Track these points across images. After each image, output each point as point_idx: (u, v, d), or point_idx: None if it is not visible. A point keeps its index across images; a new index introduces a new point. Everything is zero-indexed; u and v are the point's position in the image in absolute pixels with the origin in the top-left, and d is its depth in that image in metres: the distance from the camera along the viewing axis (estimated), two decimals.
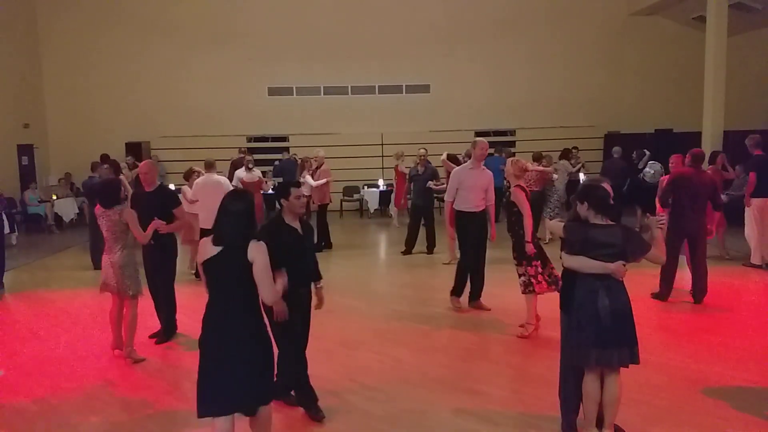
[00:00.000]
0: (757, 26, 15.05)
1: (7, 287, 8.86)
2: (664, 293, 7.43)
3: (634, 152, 12.89)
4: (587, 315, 3.79)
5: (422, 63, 16.79)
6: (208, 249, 3.43)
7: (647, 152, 12.51)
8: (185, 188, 9.28)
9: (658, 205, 7.66)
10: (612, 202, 3.91)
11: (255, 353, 3.42)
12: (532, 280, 6.06)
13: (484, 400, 4.79)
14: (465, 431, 4.33)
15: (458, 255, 7.66)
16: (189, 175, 9.40)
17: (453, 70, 16.81)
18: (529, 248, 6.04)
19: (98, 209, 5.65)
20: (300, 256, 4.33)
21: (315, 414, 4.49)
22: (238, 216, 3.42)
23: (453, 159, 9.86)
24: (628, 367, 3.86)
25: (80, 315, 7.40)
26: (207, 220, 8.31)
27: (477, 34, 16.73)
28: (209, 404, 3.40)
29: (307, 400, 4.56)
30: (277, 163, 14.74)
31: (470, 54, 16.77)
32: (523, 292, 6.15)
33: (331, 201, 11.60)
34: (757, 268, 8.93)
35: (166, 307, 6.30)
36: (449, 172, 8.94)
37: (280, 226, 4.35)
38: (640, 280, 7.54)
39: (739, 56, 14.70)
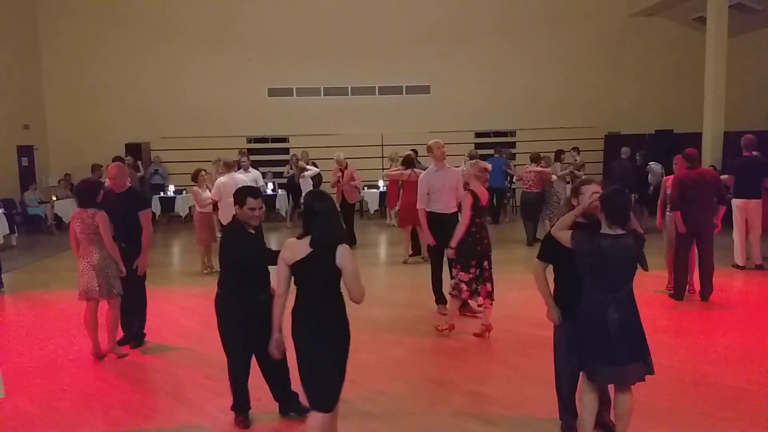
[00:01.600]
0: (758, 27, 15.04)
1: (7, 288, 8.86)
2: (679, 292, 7.41)
3: (637, 153, 12.89)
4: (595, 328, 3.64)
5: (422, 64, 16.78)
6: (299, 249, 3.50)
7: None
8: (196, 189, 9.35)
9: (659, 205, 7.70)
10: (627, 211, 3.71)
11: (341, 351, 3.54)
12: (462, 285, 6.02)
13: (483, 401, 4.79)
14: None
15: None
16: (197, 177, 9.42)
17: (453, 71, 16.79)
18: (449, 253, 6.03)
19: (76, 212, 5.63)
20: (257, 261, 4.30)
21: (239, 419, 4.42)
22: (330, 214, 3.52)
23: (408, 161, 9.67)
24: (644, 380, 3.74)
25: (80, 316, 7.34)
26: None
27: (477, 35, 16.72)
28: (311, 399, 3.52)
29: (237, 406, 4.46)
30: (290, 169, 14.16)
31: (470, 55, 16.76)
32: (450, 293, 6.19)
33: (358, 200, 11.90)
34: (741, 269, 8.86)
35: (139, 310, 6.21)
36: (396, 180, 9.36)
37: (241, 233, 4.26)
38: (641, 281, 7.48)
39: (739, 57, 14.71)
